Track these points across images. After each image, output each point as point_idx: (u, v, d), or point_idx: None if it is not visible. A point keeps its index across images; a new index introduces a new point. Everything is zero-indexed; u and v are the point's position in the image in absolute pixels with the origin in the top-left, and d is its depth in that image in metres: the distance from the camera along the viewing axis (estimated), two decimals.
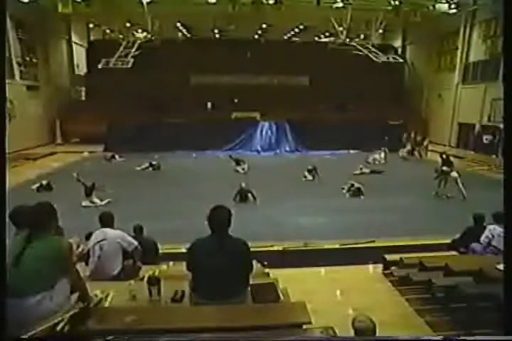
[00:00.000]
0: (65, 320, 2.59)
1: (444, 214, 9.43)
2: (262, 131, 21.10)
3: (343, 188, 11.63)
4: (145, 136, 19.12)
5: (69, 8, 17.95)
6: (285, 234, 7.82)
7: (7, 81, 12.74)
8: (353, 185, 11.50)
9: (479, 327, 3.65)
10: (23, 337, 2.29)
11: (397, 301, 4.76)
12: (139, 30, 24.42)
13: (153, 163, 15.41)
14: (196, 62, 23.71)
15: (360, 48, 22.96)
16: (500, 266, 3.76)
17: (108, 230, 4.50)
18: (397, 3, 19.39)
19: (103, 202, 10.07)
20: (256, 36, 28.97)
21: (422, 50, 25.89)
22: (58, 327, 2.54)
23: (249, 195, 10.52)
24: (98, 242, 4.38)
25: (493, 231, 5.35)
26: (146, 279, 3.49)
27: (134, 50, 21.55)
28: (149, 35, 23.03)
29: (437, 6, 19.95)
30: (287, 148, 20.85)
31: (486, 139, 19.41)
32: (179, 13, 22.73)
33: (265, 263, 5.34)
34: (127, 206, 9.29)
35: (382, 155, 17.59)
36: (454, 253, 5.91)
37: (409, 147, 20.23)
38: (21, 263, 2.58)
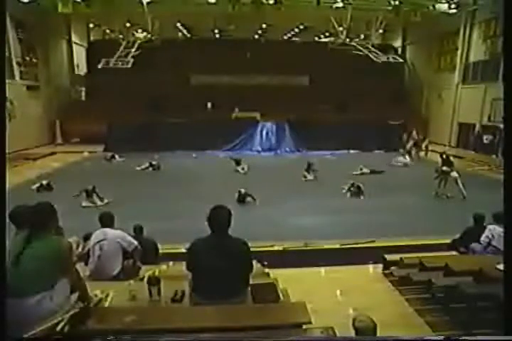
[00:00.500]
0: (65, 320, 2.60)
1: (444, 214, 9.43)
2: (262, 131, 21.09)
3: (343, 188, 11.63)
4: (145, 136, 19.12)
5: (69, 8, 17.95)
6: (285, 234, 7.82)
7: (7, 81, 12.76)
8: (353, 185, 11.50)
9: (479, 327, 3.65)
10: (23, 337, 2.29)
11: (397, 301, 4.76)
12: (139, 30, 24.41)
13: (153, 163, 15.41)
14: (196, 62, 23.73)
15: (360, 48, 22.96)
16: (500, 266, 3.76)
17: (108, 230, 4.50)
18: (397, 3, 19.38)
19: (103, 202, 10.06)
20: (256, 36, 28.98)
21: (422, 50, 25.88)
22: (58, 327, 2.54)
23: (249, 197, 10.43)
24: (98, 242, 4.38)
25: (493, 231, 5.35)
26: (146, 279, 3.49)
27: (134, 50, 21.54)
28: (149, 35, 23.02)
29: (437, 6, 19.94)
30: (287, 148, 20.84)
31: (486, 139, 19.40)
32: (179, 13, 22.75)
33: (265, 263, 5.34)
34: (127, 206, 9.29)
35: (407, 157, 17.46)
36: (454, 253, 5.91)
37: (408, 148, 20.24)
38: (21, 263, 2.58)
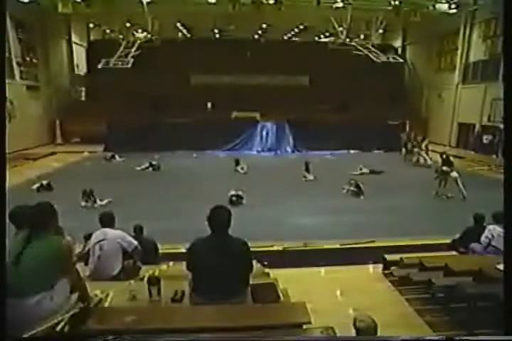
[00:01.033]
0: (65, 320, 2.60)
1: (443, 214, 9.44)
2: (261, 131, 21.10)
3: (343, 188, 11.64)
4: (145, 136, 19.11)
5: (69, 8, 17.94)
6: (285, 234, 7.82)
7: (7, 81, 12.77)
8: (352, 185, 11.51)
9: (479, 327, 3.65)
10: (23, 337, 2.29)
11: (397, 301, 4.76)
12: (139, 30, 24.38)
13: (153, 163, 15.41)
14: (196, 62, 23.71)
15: (360, 48, 22.95)
16: (500, 266, 3.76)
17: (108, 230, 4.50)
18: (397, 3, 19.38)
19: (103, 202, 10.05)
20: (256, 36, 28.96)
21: (422, 50, 25.88)
22: (58, 327, 2.54)
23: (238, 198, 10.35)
24: (98, 242, 4.38)
25: (493, 231, 5.35)
26: (146, 279, 3.49)
27: (134, 50, 21.53)
28: (149, 35, 23.01)
29: (437, 6, 19.93)
30: (287, 148, 20.85)
31: (486, 139, 19.40)
32: (179, 13, 22.75)
33: (265, 263, 5.35)
34: (127, 206, 9.29)
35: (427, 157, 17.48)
36: (454, 253, 5.92)
37: (409, 147, 20.24)
38: (21, 263, 2.58)
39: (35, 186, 11.37)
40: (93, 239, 4.46)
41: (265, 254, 6.00)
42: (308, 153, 19.12)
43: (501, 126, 16.44)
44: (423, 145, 19.54)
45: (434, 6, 20.00)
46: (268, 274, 4.51)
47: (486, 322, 3.66)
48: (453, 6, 19.68)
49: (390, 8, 19.85)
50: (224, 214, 3.13)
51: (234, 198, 10.22)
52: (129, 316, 2.79)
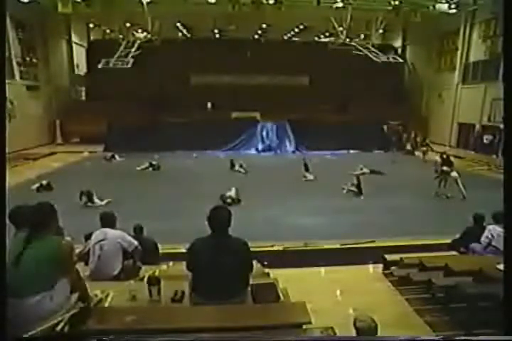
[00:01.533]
0: (65, 320, 2.60)
1: (443, 214, 9.44)
2: (262, 131, 21.11)
3: (343, 188, 11.64)
4: (145, 136, 19.12)
5: (69, 8, 17.94)
6: (285, 234, 7.82)
7: (7, 81, 12.75)
8: (352, 185, 11.51)
9: (479, 327, 3.65)
10: (23, 337, 2.29)
11: (397, 301, 4.76)
12: (139, 30, 24.39)
13: (153, 163, 15.41)
14: (196, 62, 23.71)
15: (360, 48, 22.94)
16: (500, 266, 3.76)
17: (108, 230, 4.50)
18: (397, 3, 19.39)
19: (103, 202, 10.06)
20: (256, 36, 28.95)
21: (422, 50, 25.88)
22: (58, 327, 2.54)
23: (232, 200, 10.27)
24: (98, 242, 4.38)
25: (493, 231, 5.35)
26: (146, 279, 3.49)
27: (134, 50, 21.52)
28: (149, 35, 23.00)
29: (437, 6, 19.93)
30: (287, 148, 20.86)
31: (486, 139, 19.41)
32: (179, 13, 22.73)
33: (265, 263, 5.35)
34: (127, 206, 9.28)
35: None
36: (454, 253, 5.91)
37: (409, 147, 20.28)
38: (21, 263, 2.58)
39: (35, 186, 11.37)
40: (93, 239, 4.45)
41: (265, 254, 6.00)
42: (309, 153, 19.13)
43: (501, 126, 16.44)
44: (424, 148, 19.61)
45: (434, 6, 20.01)
46: (268, 274, 4.51)
47: (486, 322, 3.65)
48: (453, 6, 19.69)
49: (390, 8, 19.86)
50: (224, 214, 3.14)
51: (229, 200, 10.13)
52: (129, 316, 2.79)
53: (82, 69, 27.42)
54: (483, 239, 5.43)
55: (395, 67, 25.27)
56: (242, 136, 20.80)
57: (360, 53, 22.80)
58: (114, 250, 4.39)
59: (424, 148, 18.10)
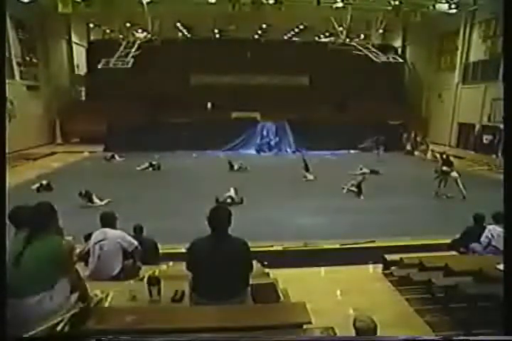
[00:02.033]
0: (65, 320, 2.60)
1: (443, 214, 9.45)
2: (262, 131, 21.11)
3: (343, 188, 11.65)
4: (145, 136, 19.11)
5: (69, 8, 17.91)
6: (284, 234, 7.82)
7: (7, 81, 12.75)
8: (352, 185, 11.52)
9: (479, 327, 3.65)
10: (23, 337, 2.29)
11: (397, 301, 4.76)
12: (139, 30, 24.40)
13: (153, 163, 15.41)
14: (196, 62, 23.70)
15: (360, 48, 22.93)
16: (500, 266, 3.76)
17: (108, 230, 4.49)
18: (397, 3, 19.37)
19: (103, 202, 10.06)
20: (256, 36, 28.95)
21: (422, 50, 25.88)
22: (58, 327, 2.54)
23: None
24: (98, 242, 4.38)
25: (493, 231, 5.35)
26: (146, 279, 3.49)
27: (134, 50, 21.50)
28: (149, 35, 23.01)
29: (437, 6, 19.91)
30: (287, 148, 20.86)
31: (486, 139, 19.41)
32: (179, 13, 22.73)
33: (265, 263, 5.35)
34: (127, 206, 9.27)
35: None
36: (454, 253, 5.92)
37: (409, 147, 20.28)
38: (21, 263, 2.58)
39: (35, 186, 11.37)
40: (93, 239, 4.45)
41: (265, 254, 6.00)
42: (309, 153, 19.12)
43: (501, 126, 16.43)
44: (423, 146, 19.64)
45: (434, 6, 19.99)
46: (268, 274, 4.51)
47: (486, 322, 3.66)
48: (453, 6, 19.67)
49: (390, 8, 19.85)
50: (224, 214, 3.13)
51: (229, 200, 10.13)
52: (129, 316, 2.79)
53: (82, 69, 27.41)
54: (483, 239, 5.44)
55: (395, 67, 25.24)
56: (242, 136, 20.81)
57: (360, 53, 22.79)
58: (114, 250, 4.39)
59: (423, 147, 18.20)
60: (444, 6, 19.85)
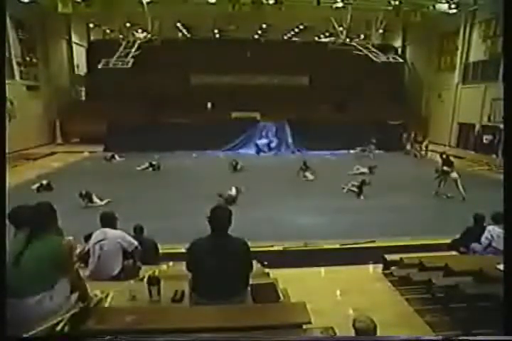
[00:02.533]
0: (65, 320, 2.59)
1: (443, 214, 9.45)
2: (261, 131, 21.10)
3: (343, 188, 11.65)
4: (145, 136, 19.10)
5: (69, 8, 17.93)
6: (284, 234, 7.82)
7: (7, 81, 12.77)
8: (353, 186, 11.52)
9: (479, 327, 3.65)
10: (23, 337, 2.29)
11: (397, 301, 4.76)
12: (139, 30, 24.41)
13: (153, 163, 15.41)
14: (196, 62, 23.71)
15: (360, 48, 22.94)
16: (500, 266, 3.76)
17: (108, 230, 4.49)
18: (397, 3, 19.39)
19: (103, 202, 10.06)
20: (256, 36, 28.97)
21: (422, 50, 25.88)
22: (58, 327, 2.54)
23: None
24: (98, 242, 4.38)
25: (493, 232, 5.35)
26: (146, 279, 3.49)
27: (134, 50, 21.52)
28: (149, 35, 23.02)
29: (437, 6, 19.93)
30: (287, 148, 20.85)
31: (486, 139, 19.41)
32: (179, 13, 22.75)
33: (265, 263, 5.35)
34: (127, 206, 9.27)
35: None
36: (454, 253, 5.92)
37: (409, 147, 20.29)
38: (21, 263, 2.58)
39: (35, 186, 11.37)
40: (93, 239, 4.45)
41: (265, 254, 6.00)
42: (308, 153, 19.14)
43: (501, 126, 16.44)
44: (423, 146, 19.63)
45: (434, 6, 20.01)
46: (268, 274, 4.51)
47: (486, 322, 3.66)
48: (453, 6, 19.68)
49: (390, 8, 19.87)
50: (225, 214, 3.13)
51: (230, 198, 10.17)
52: (129, 316, 2.79)
53: (82, 69, 27.42)
54: (483, 240, 5.44)
55: (395, 67, 25.25)
56: (242, 136, 20.79)
57: (360, 53, 22.80)
58: (114, 250, 4.39)
59: (416, 145, 18.33)
60: (444, 6, 19.86)
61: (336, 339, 2.81)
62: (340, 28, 22.56)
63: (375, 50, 22.85)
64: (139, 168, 15.21)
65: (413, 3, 19.90)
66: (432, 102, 24.84)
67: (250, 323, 2.78)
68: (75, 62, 26.96)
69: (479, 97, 19.71)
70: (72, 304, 2.77)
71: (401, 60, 24.59)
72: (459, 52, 21.76)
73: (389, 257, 5.67)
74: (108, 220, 4.60)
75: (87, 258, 4.49)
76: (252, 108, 21.94)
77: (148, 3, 19.17)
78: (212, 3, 19.18)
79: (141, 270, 4.54)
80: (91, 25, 28.19)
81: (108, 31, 27.88)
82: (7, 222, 2.99)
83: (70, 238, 4.54)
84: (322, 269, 5.84)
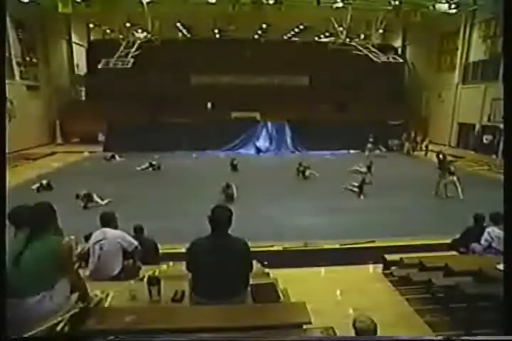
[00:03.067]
0: (65, 320, 2.59)
1: (443, 213, 9.45)
2: (262, 131, 21.11)
3: (343, 188, 11.65)
4: (145, 136, 19.11)
5: (69, 8, 17.93)
6: (284, 234, 7.82)
7: (7, 81, 12.76)
8: (353, 186, 11.52)
9: (479, 327, 3.65)
10: (23, 337, 2.29)
11: (397, 301, 4.76)
12: (139, 30, 24.40)
13: (153, 163, 15.41)
14: (196, 62, 23.70)
15: (360, 48, 22.94)
16: (500, 266, 3.76)
17: (108, 230, 4.49)
18: (397, 3, 19.39)
19: (104, 202, 10.06)
20: (256, 36, 28.96)
21: (422, 50, 25.88)
22: (58, 327, 2.54)
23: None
24: (98, 242, 4.37)
25: (492, 233, 5.35)
26: (146, 279, 3.48)
27: (134, 50, 21.52)
28: (149, 35, 23.01)
29: (437, 6, 19.92)
30: (287, 148, 20.85)
31: (486, 139, 19.41)
32: (179, 13, 22.74)
33: (265, 263, 5.34)
34: (127, 206, 9.28)
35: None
36: (454, 253, 5.91)
37: (408, 148, 20.30)
38: (21, 263, 2.58)
39: (35, 186, 11.38)
40: (93, 239, 4.44)
41: (265, 254, 6.00)
42: (308, 153, 19.14)
43: (501, 126, 16.44)
44: (423, 146, 19.65)
45: (434, 6, 20.00)
46: (268, 274, 4.51)
47: (486, 322, 3.66)
48: (453, 6, 19.67)
49: (390, 8, 19.86)
50: (225, 214, 3.13)
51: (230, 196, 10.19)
52: (129, 316, 2.79)
53: (82, 69, 27.42)
54: (482, 241, 5.43)
55: (395, 67, 25.24)
56: (242, 136, 20.80)
57: (360, 53, 22.79)
58: (114, 250, 4.38)
59: (413, 144, 18.52)
60: (444, 6, 19.85)
61: (335, 339, 2.81)
62: (340, 28, 22.54)
63: (375, 50, 22.84)
64: (139, 168, 15.22)
65: (413, 3, 19.90)
66: (431, 102, 24.84)
67: (250, 323, 2.78)
68: (75, 62, 26.97)
69: (479, 97, 19.71)
70: (72, 304, 2.77)
71: (401, 60, 24.58)
72: (458, 52, 21.76)
73: (389, 257, 5.67)
74: (108, 220, 4.60)
75: (87, 258, 4.48)
76: (252, 108, 21.95)
77: (148, 3, 19.16)
78: (212, 3, 19.17)
79: (141, 270, 4.53)
80: (91, 25, 28.19)
81: (108, 31, 27.86)
82: (7, 222, 2.98)
83: (72, 237, 4.54)
84: (322, 269, 5.84)
